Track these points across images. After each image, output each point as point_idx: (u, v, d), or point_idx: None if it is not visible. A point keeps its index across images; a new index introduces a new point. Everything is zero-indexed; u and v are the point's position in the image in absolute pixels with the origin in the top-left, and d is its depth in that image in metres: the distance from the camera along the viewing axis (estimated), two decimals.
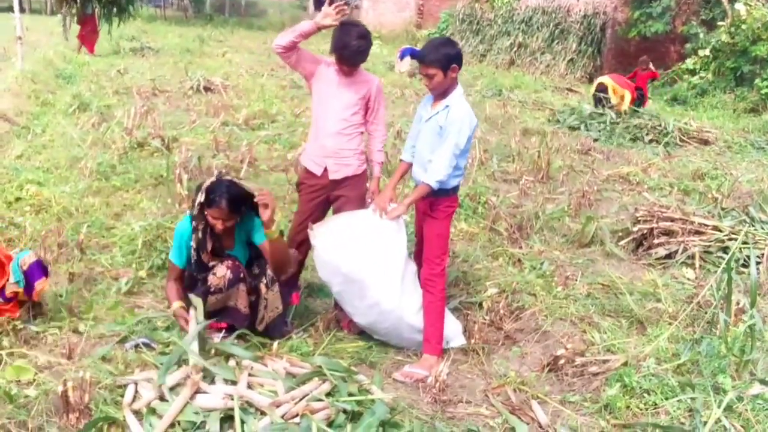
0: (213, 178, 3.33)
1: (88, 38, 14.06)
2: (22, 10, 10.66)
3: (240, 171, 6.11)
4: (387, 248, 3.39)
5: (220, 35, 20.75)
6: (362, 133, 3.74)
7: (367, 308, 3.42)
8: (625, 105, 10.26)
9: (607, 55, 16.74)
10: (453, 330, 3.62)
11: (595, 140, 9.17)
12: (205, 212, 3.28)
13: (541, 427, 2.99)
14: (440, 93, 3.30)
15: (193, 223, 3.35)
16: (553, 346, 3.67)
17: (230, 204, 3.22)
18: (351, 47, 3.41)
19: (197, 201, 3.28)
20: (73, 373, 2.85)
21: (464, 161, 3.39)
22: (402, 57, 16.83)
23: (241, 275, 3.36)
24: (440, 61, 3.18)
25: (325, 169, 3.65)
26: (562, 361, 3.43)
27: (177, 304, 3.41)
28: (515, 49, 18.04)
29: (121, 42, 16.01)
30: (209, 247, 3.39)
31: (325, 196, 3.73)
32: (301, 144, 6.63)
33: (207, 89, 10.55)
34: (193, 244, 3.38)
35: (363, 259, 3.34)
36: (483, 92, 12.69)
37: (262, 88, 10.96)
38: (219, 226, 3.29)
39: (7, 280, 3.30)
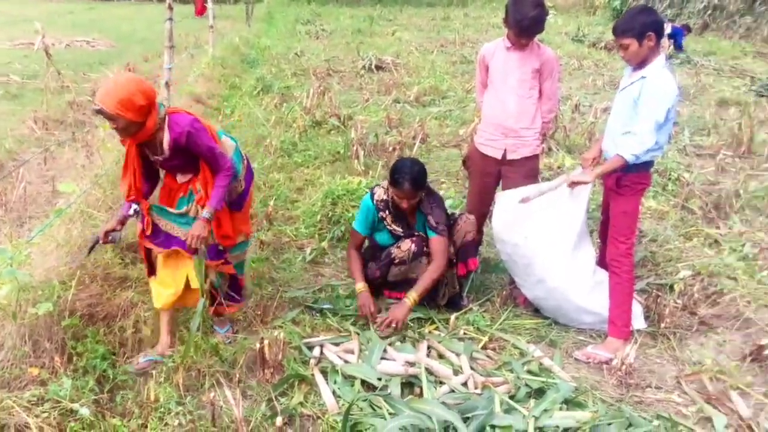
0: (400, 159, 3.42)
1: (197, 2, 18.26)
2: None
3: (413, 148, 6.19)
4: (559, 225, 3.26)
5: (390, 14, 21.14)
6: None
7: (534, 283, 3.38)
8: None
9: None
10: (634, 312, 3.38)
11: None
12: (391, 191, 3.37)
13: (741, 419, 2.73)
14: (638, 63, 3.07)
15: (380, 202, 3.44)
16: (757, 334, 3.37)
17: (413, 185, 3.27)
18: (528, 18, 3.26)
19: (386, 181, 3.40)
20: (268, 333, 3.09)
21: (664, 137, 3.09)
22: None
23: (425, 249, 3.41)
24: (633, 30, 2.98)
25: (505, 151, 3.57)
26: (767, 351, 3.13)
27: (361, 286, 3.44)
28: (710, 11, 16.55)
29: (297, 26, 16.87)
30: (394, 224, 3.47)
31: (496, 171, 3.65)
32: (474, 120, 6.56)
33: (378, 68, 10.82)
34: (385, 217, 3.45)
35: (533, 235, 3.27)
36: (672, 60, 11.71)
37: (432, 65, 11.00)
38: (404, 205, 3.37)
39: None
